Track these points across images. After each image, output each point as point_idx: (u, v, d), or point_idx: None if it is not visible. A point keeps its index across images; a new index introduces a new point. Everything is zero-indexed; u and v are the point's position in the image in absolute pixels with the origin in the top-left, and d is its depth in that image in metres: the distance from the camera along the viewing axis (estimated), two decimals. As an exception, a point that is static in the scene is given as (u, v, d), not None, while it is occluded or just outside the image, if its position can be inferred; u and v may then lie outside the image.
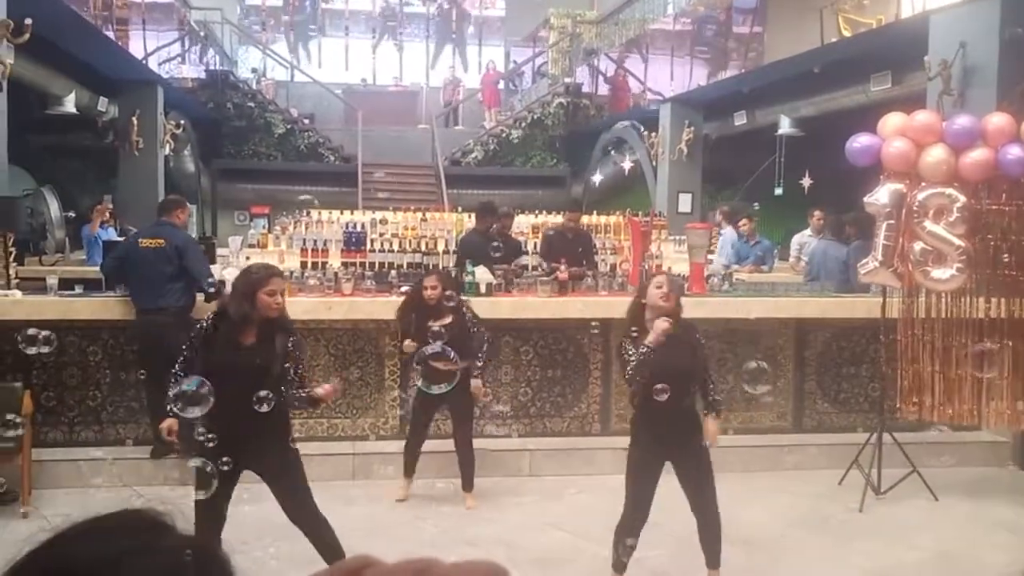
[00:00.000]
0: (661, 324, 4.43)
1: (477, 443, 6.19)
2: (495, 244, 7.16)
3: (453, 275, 6.92)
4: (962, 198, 5.93)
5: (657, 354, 4.40)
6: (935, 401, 6.25)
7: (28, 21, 7.15)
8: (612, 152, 16.88)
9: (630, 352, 4.50)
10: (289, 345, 4.31)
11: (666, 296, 4.55)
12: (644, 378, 4.43)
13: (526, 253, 8.93)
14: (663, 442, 4.56)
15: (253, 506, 4.94)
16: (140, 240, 6.58)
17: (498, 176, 17.97)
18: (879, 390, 6.82)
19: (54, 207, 12.43)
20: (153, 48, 15.57)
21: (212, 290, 6.25)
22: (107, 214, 10.61)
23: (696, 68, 18.01)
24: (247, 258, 8.04)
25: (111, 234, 10.09)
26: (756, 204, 12.87)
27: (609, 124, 17.52)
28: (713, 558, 4.65)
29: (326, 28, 23.60)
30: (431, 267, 8.25)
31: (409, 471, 6.10)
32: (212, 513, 3.98)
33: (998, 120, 6.01)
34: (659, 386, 4.31)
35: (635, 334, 4.52)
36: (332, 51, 23.36)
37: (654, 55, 18.56)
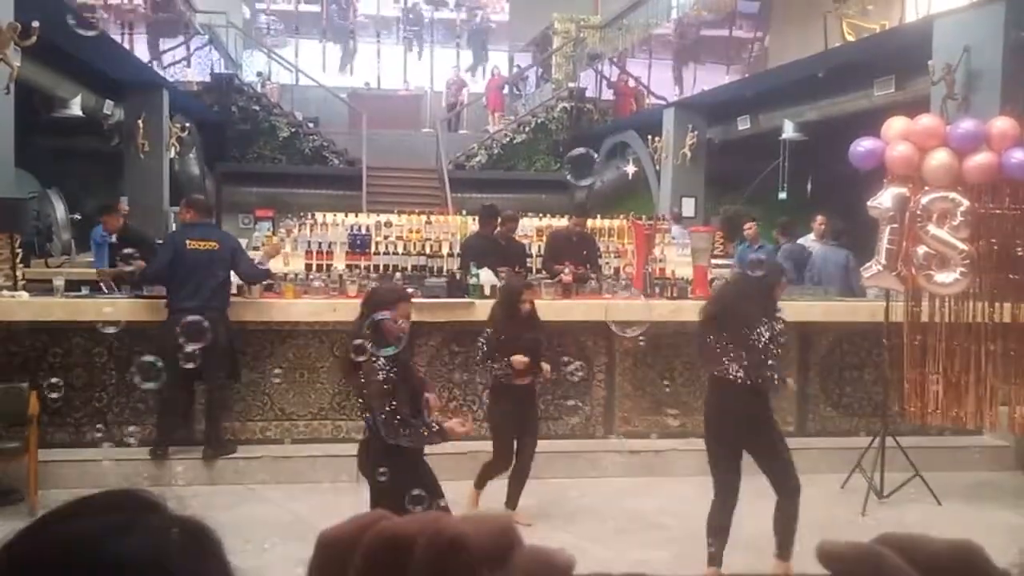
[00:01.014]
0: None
1: (480, 445, 6.19)
2: (502, 245, 7.16)
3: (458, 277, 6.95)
4: (965, 202, 5.95)
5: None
6: (938, 405, 6.27)
7: (35, 24, 7.18)
8: (616, 157, 16.92)
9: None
10: None
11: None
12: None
13: (530, 256, 8.95)
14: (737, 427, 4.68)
15: (253, 506, 4.96)
16: (188, 241, 6.52)
17: (502, 180, 18.01)
18: (882, 394, 6.83)
19: (60, 210, 12.48)
20: (159, 51, 15.65)
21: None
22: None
23: (699, 72, 18.08)
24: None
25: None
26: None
27: (613, 129, 17.57)
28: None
29: (338, 33, 23.71)
30: (444, 271, 8.23)
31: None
32: None
33: (1002, 124, 6.03)
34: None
35: None
36: (335, 55, 23.45)
37: (657, 60, 18.62)
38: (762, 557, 4.85)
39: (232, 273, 6.50)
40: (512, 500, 5.81)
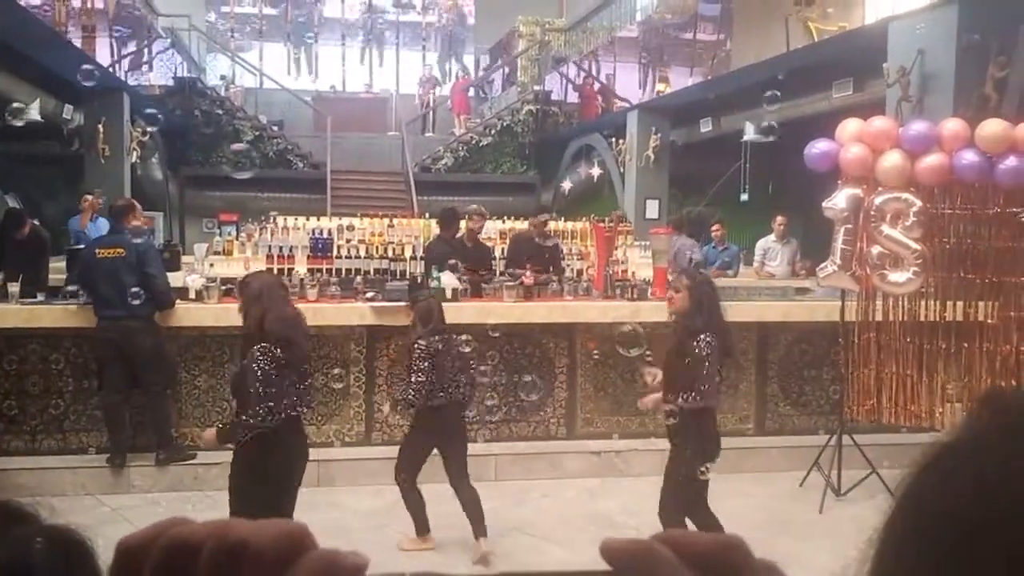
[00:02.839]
0: None
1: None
2: (468, 247, 7.11)
3: (419, 281, 6.94)
4: (918, 202, 6.03)
5: None
6: (892, 403, 6.35)
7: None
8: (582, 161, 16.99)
9: None
10: None
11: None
12: None
13: (495, 259, 8.96)
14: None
15: (213, 513, 4.93)
16: (98, 250, 6.50)
17: (468, 182, 18.01)
18: (839, 392, 6.91)
19: (16, 214, 12.29)
20: (120, 55, 15.50)
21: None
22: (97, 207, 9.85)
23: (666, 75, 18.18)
24: (211, 265, 8.03)
25: (102, 227, 8.91)
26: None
27: (578, 132, 17.63)
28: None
29: (298, 36, 23.60)
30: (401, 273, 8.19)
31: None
32: None
33: (953, 126, 6.12)
34: None
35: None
36: (325, 58, 23.35)
37: (621, 63, 18.73)
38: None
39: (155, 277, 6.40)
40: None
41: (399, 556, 5.32)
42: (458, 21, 23.80)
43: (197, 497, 6.31)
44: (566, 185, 17.36)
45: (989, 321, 6.35)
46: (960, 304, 6.33)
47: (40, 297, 6.69)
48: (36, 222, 9.03)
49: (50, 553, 0.65)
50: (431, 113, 20.91)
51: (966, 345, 6.32)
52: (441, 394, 5.15)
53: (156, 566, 0.44)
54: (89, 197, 9.93)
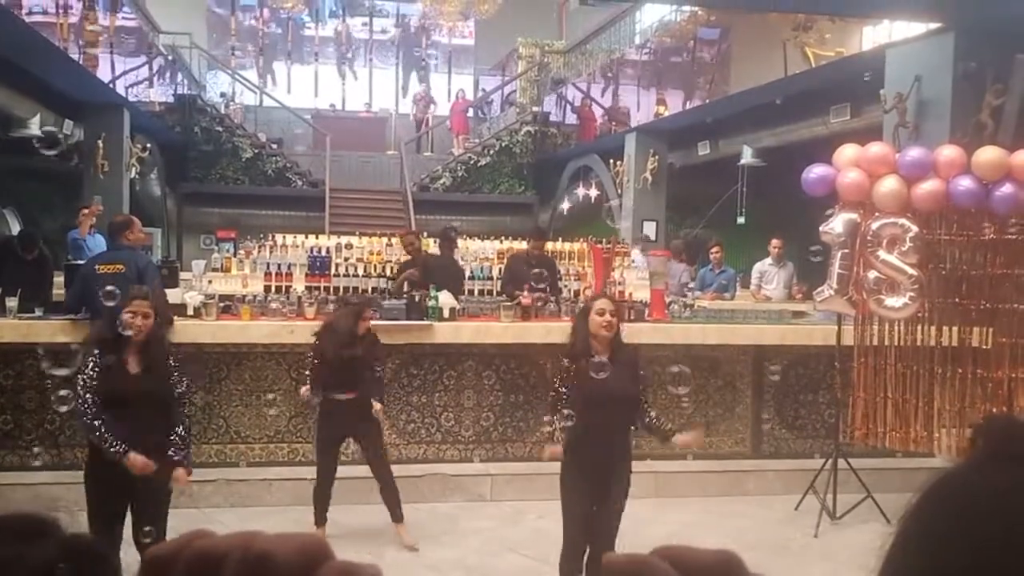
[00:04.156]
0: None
1: (438, 467, 6.21)
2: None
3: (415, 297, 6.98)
4: (915, 228, 6.06)
5: (596, 382, 4.23)
6: (887, 427, 6.37)
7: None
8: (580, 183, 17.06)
9: (558, 386, 4.46)
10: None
11: (608, 324, 4.39)
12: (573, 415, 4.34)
13: (471, 278, 8.99)
14: (596, 471, 4.45)
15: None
16: (97, 266, 6.50)
17: (466, 202, 18.10)
18: (835, 416, 6.92)
19: (15, 229, 12.33)
20: (121, 71, 15.56)
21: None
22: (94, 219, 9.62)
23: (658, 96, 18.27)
24: (209, 281, 8.04)
25: (100, 242, 8.95)
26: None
27: (576, 153, 17.72)
28: None
29: (296, 54, 23.71)
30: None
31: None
32: None
33: (949, 152, 6.16)
34: (593, 414, 4.26)
35: (569, 368, 4.45)
36: (301, 77, 23.44)
37: (622, 84, 18.84)
38: None
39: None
40: (394, 514, 5.80)
41: (396, 574, 5.30)
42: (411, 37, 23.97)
43: (192, 514, 6.28)
44: (564, 206, 17.43)
45: (983, 347, 6.37)
46: (955, 329, 6.36)
47: (38, 312, 6.69)
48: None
49: (71, 567, 0.66)
50: (428, 132, 20.99)
51: (960, 370, 6.34)
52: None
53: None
54: (90, 206, 9.87)
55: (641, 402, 4.57)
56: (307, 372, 5.80)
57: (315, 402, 5.74)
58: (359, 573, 0.45)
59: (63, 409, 3.90)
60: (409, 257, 8.56)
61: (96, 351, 4.37)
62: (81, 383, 4.30)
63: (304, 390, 5.73)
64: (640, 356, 4.73)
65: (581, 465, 4.45)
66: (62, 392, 4.00)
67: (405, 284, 7.95)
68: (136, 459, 4.28)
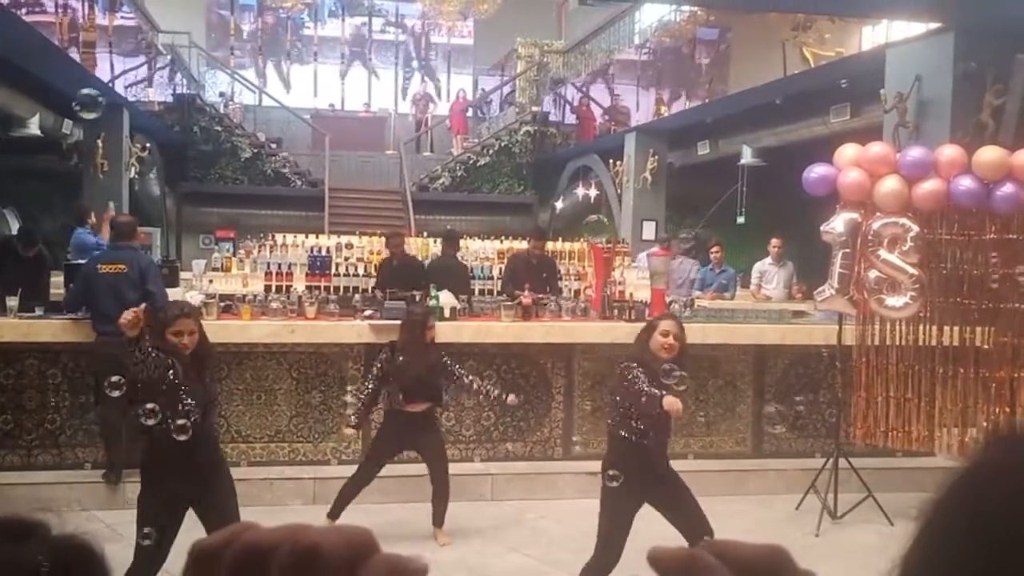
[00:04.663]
0: (675, 405, 4.25)
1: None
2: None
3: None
4: (915, 228, 6.06)
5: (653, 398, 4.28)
6: (888, 427, 6.37)
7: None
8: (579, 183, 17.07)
9: (639, 383, 4.35)
10: None
11: (670, 348, 4.40)
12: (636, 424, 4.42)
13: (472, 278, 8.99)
14: (642, 481, 4.48)
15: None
16: (100, 265, 6.50)
17: (465, 202, 18.11)
18: (836, 416, 6.92)
19: (15, 229, 12.32)
20: (120, 71, 15.57)
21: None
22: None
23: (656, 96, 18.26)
24: (210, 281, 8.03)
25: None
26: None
27: (576, 153, 17.72)
28: None
29: (296, 54, 23.70)
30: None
31: None
32: None
33: (950, 152, 6.17)
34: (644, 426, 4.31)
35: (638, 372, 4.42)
36: (300, 76, 23.43)
37: (620, 84, 18.84)
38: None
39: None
40: (437, 519, 5.88)
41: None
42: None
43: (191, 514, 6.27)
44: (563, 205, 17.43)
45: (985, 347, 6.38)
46: (956, 329, 6.36)
47: (39, 312, 6.68)
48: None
49: (60, 566, 0.65)
50: (428, 132, 20.98)
51: (962, 370, 6.34)
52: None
53: (231, 569, 0.45)
54: (105, 214, 9.95)
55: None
56: (366, 389, 5.86)
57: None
58: (406, 566, 0.45)
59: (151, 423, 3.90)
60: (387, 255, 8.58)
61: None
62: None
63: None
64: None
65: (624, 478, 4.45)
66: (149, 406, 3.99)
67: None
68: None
